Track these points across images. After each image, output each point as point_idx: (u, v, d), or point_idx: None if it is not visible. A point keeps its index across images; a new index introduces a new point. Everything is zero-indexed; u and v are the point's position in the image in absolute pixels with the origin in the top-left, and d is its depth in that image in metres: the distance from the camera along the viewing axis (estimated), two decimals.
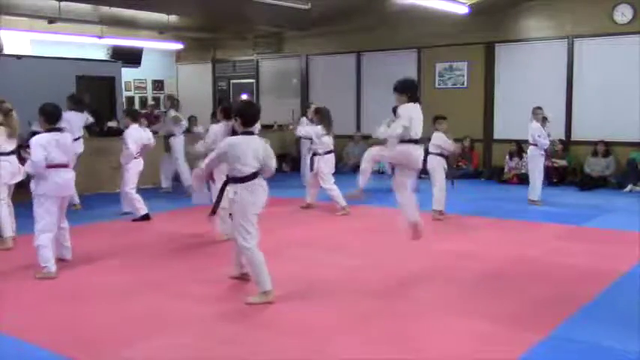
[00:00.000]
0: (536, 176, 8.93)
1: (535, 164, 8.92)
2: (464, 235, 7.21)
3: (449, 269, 5.73)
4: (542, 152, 8.88)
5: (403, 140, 5.56)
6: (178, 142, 10.37)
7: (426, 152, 8.12)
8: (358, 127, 13.28)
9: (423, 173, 9.07)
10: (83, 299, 4.98)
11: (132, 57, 14.79)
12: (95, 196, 9.84)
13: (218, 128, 6.65)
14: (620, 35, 10.53)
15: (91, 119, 9.63)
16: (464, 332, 4.17)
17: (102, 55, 14.56)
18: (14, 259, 6.15)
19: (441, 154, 8.05)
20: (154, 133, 9.61)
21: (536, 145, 8.82)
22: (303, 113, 11.79)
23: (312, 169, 8.75)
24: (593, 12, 10.75)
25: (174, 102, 10.89)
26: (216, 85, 16.35)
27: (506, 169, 11.34)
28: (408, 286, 5.23)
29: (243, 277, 5.30)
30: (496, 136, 12.00)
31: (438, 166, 8.02)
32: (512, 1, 11.37)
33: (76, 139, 8.10)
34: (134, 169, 8.04)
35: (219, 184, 6.54)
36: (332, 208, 8.57)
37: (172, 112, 10.57)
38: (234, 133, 5.62)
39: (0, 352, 3.99)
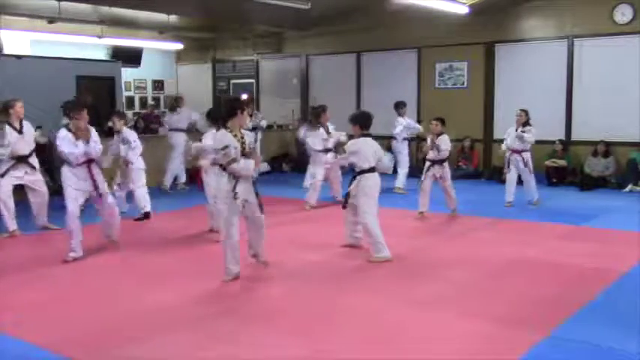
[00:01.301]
0: (508, 177, 8.92)
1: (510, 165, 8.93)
2: (464, 235, 7.21)
3: (449, 269, 5.73)
4: (507, 155, 8.86)
5: (361, 170, 6.07)
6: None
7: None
8: None
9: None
10: (83, 299, 4.99)
11: (132, 57, 14.78)
12: None
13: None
14: (620, 35, 10.52)
15: None
16: (464, 332, 4.17)
17: (102, 55, 14.55)
18: (14, 259, 6.16)
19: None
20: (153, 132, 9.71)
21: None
22: (304, 115, 11.97)
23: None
24: (593, 12, 10.75)
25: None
26: (216, 85, 16.34)
27: (505, 169, 11.30)
28: (407, 286, 5.23)
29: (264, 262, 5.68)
30: (496, 136, 11.96)
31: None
32: (512, 1, 11.36)
33: None
34: (141, 167, 8.16)
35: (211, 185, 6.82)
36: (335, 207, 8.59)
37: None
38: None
39: (0, 352, 3.99)
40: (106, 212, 6.46)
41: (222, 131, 5.25)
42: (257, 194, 5.43)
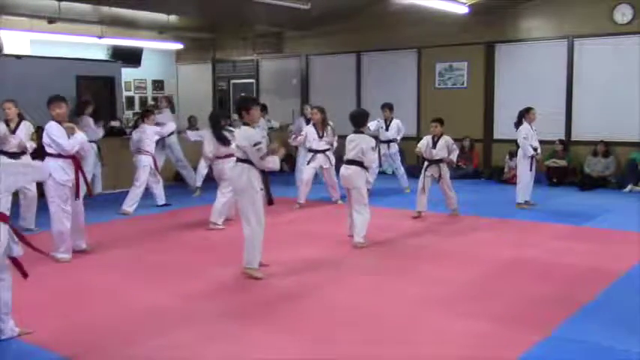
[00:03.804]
0: (520, 179, 8.73)
1: (521, 167, 8.74)
2: (464, 234, 7.20)
3: (448, 269, 5.73)
4: (530, 155, 8.63)
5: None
6: (177, 142, 10.46)
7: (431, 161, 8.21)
8: None
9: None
10: (83, 299, 4.99)
11: (132, 57, 14.78)
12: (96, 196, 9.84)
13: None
14: (620, 35, 10.52)
15: None
16: (464, 332, 4.17)
17: (102, 55, 14.55)
18: None
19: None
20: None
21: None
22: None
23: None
24: (593, 12, 10.74)
25: (171, 102, 11.23)
26: (216, 85, 16.34)
27: (506, 169, 11.33)
28: (407, 286, 5.23)
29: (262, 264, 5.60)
30: (496, 136, 11.99)
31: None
32: (512, 1, 11.37)
33: None
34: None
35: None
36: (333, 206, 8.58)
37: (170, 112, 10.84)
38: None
39: (0, 352, 3.99)
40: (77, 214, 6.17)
41: (247, 127, 5.39)
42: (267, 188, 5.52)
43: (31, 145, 7.20)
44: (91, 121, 9.45)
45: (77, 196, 6.07)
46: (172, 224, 7.88)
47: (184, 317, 4.49)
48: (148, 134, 8.66)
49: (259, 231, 5.40)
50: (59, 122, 5.97)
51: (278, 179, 11.63)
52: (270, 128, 11.83)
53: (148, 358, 3.86)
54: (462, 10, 10.80)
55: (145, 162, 8.59)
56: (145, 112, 9.16)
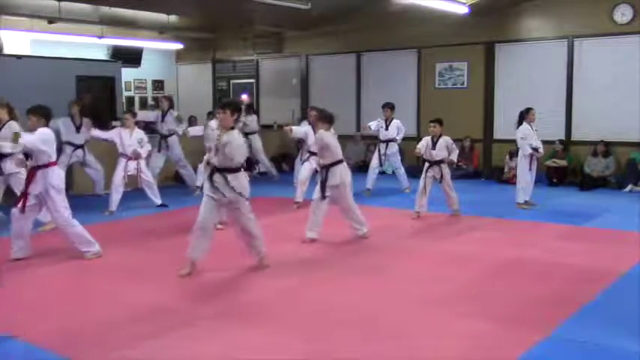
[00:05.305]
0: (520, 179, 8.73)
1: (520, 167, 8.72)
2: (464, 235, 7.20)
3: (449, 269, 5.73)
4: (528, 155, 8.59)
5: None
6: (177, 142, 10.41)
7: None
8: (358, 128, 13.26)
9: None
10: (82, 299, 4.99)
11: (132, 57, 14.79)
12: (93, 197, 9.83)
13: None
14: (620, 35, 10.52)
15: None
16: (464, 332, 4.17)
17: (102, 55, 14.55)
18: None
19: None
20: (153, 132, 9.74)
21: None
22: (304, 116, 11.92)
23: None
24: (593, 12, 10.74)
25: (172, 102, 11.08)
26: (216, 85, 16.35)
27: (506, 169, 11.32)
28: (407, 286, 5.23)
29: (262, 263, 5.68)
30: (496, 136, 11.99)
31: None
32: (512, 1, 11.37)
33: None
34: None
35: None
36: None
37: (175, 112, 10.73)
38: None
39: (0, 352, 3.99)
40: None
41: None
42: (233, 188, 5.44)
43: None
44: (66, 122, 9.26)
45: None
46: (172, 224, 7.87)
47: (183, 317, 4.49)
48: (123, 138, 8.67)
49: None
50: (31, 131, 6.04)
51: (278, 179, 11.64)
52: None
53: (148, 358, 3.86)
54: (462, 10, 10.79)
55: (118, 165, 8.63)
56: (124, 114, 9.07)
